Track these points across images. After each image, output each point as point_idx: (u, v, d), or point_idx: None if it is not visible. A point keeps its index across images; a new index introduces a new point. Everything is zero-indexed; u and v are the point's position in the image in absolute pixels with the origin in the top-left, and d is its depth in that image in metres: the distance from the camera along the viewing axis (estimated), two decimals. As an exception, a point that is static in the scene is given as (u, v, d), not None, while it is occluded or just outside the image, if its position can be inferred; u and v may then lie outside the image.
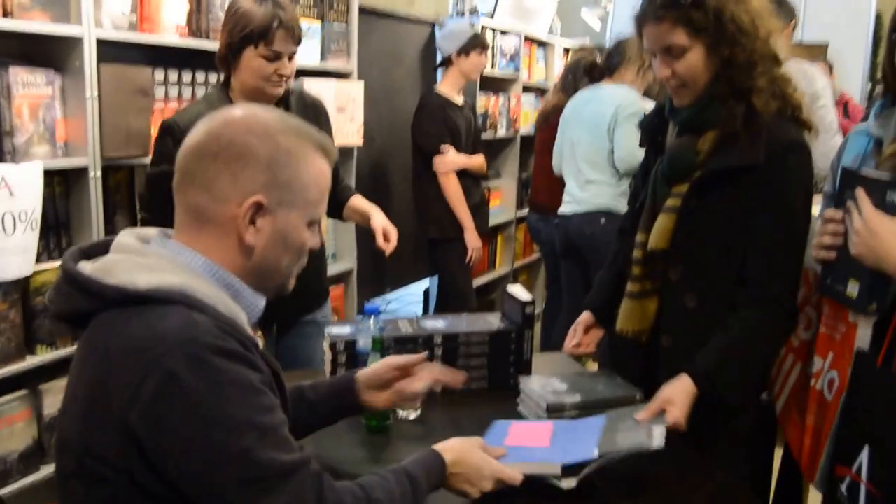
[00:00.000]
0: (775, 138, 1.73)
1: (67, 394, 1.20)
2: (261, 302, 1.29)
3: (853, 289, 1.56)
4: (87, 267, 1.20)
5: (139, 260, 1.19)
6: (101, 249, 1.27)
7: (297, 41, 2.31)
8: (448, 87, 4.04)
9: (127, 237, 1.25)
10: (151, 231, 1.29)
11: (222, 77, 2.39)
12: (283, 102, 2.41)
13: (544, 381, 1.93)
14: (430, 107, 3.92)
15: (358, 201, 2.62)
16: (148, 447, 1.09)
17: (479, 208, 4.10)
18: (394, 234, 2.48)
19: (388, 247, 2.46)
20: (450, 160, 3.87)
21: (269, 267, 1.26)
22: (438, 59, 4.20)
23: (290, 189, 1.24)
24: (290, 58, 2.31)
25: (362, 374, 1.63)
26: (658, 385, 1.78)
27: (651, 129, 2.01)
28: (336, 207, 2.62)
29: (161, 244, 1.24)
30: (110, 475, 1.11)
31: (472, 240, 3.97)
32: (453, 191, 3.89)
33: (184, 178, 1.23)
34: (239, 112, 1.28)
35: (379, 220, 2.50)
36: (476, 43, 4.02)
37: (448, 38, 4.03)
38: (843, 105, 6.49)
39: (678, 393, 1.70)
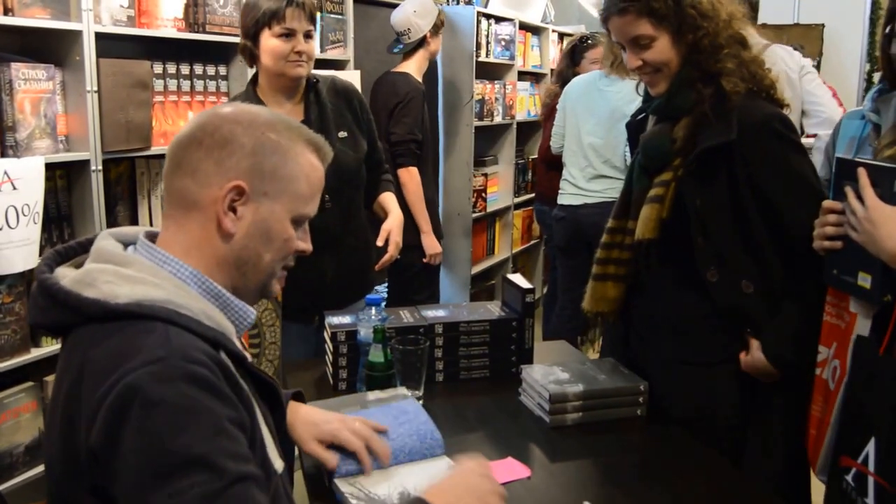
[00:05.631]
0: (750, 115, 1.76)
1: (49, 416, 1.12)
2: (250, 313, 1.24)
3: (864, 280, 1.55)
4: (65, 275, 1.15)
5: (121, 270, 1.13)
6: (77, 250, 1.24)
7: (311, 19, 2.35)
8: (417, 70, 3.73)
9: (107, 241, 1.20)
10: (133, 231, 1.25)
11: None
12: (311, 89, 2.44)
13: (546, 370, 1.93)
14: (417, 99, 3.58)
15: (387, 198, 2.66)
16: (102, 467, 1.01)
17: (434, 207, 3.78)
18: (393, 244, 2.54)
19: (386, 255, 2.54)
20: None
21: (250, 260, 1.22)
22: (405, 41, 3.75)
23: (274, 179, 1.21)
24: (307, 37, 2.34)
25: (304, 411, 1.53)
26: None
27: (633, 128, 2.04)
28: (370, 198, 2.66)
29: (146, 250, 1.20)
30: None
31: (431, 244, 3.62)
32: (414, 188, 3.52)
33: (171, 165, 1.22)
34: (228, 107, 1.28)
35: (388, 223, 2.57)
36: (442, 20, 3.78)
37: (422, 16, 3.70)
38: None
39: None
